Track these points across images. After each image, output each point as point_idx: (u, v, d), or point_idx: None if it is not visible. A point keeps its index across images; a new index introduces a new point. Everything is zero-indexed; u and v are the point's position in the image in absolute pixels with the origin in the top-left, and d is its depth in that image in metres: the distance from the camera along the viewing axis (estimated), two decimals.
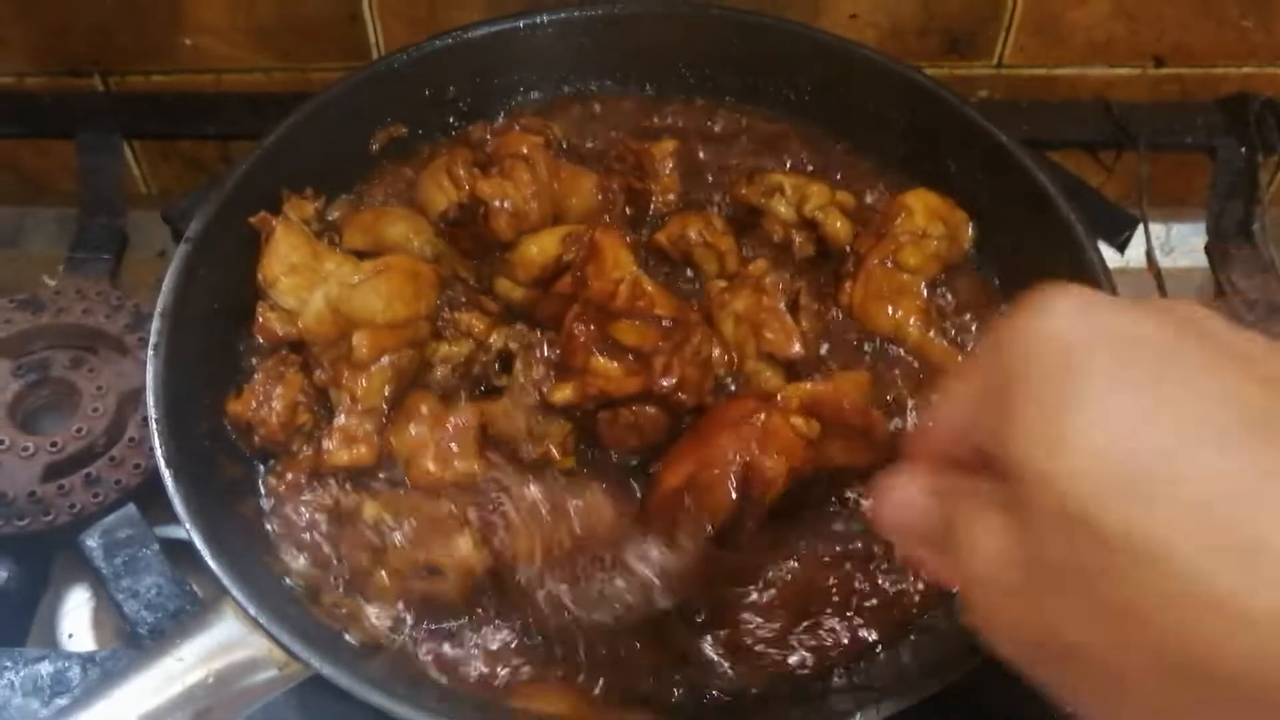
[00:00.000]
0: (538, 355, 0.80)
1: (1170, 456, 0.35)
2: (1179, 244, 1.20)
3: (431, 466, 0.79)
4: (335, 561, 0.76)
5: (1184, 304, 0.41)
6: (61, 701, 0.76)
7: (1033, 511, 0.38)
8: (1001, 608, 0.41)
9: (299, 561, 0.76)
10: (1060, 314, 0.40)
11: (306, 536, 0.78)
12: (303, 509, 0.78)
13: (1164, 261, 1.10)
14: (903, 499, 0.48)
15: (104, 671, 0.77)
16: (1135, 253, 1.09)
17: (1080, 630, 0.38)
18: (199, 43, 1.19)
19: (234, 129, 1.10)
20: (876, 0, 1.17)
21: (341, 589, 0.76)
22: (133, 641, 0.82)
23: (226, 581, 0.69)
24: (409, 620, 0.75)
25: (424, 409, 0.82)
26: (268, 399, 0.80)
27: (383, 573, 0.75)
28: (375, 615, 0.74)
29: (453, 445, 0.80)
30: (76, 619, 0.99)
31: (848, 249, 0.88)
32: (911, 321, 0.82)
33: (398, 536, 0.75)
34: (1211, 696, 0.35)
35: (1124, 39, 1.20)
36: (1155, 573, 0.35)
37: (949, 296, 0.87)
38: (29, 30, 1.17)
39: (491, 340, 0.83)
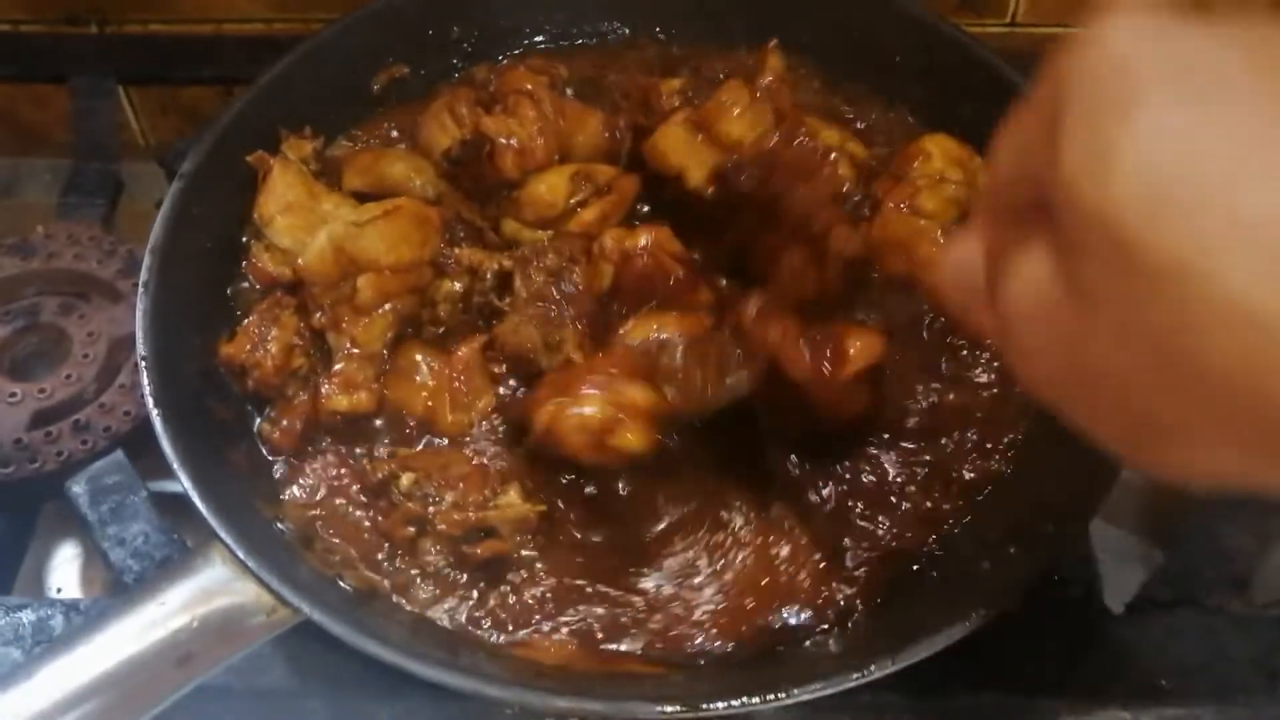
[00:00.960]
0: (536, 265, 0.78)
1: (1227, 182, 0.33)
2: None
3: (451, 416, 0.77)
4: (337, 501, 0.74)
5: (1263, 26, 0.37)
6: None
7: (1078, 238, 0.36)
8: (1040, 342, 0.40)
9: (296, 507, 0.73)
10: (1119, 33, 0.36)
11: (308, 481, 0.76)
12: (306, 455, 0.76)
13: None
14: (957, 257, 0.47)
15: (87, 620, 0.75)
16: None
17: (1121, 361, 0.36)
18: None
19: (231, 73, 1.07)
20: None
21: (335, 537, 0.73)
22: (118, 590, 0.79)
23: (215, 524, 0.66)
24: (464, 580, 0.73)
25: (418, 358, 0.80)
26: (262, 341, 0.77)
27: (429, 543, 0.73)
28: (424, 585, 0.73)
29: (462, 387, 0.77)
30: (65, 573, 0.97)
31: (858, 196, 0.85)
32: (928, 268, 0.79)
33: (444, 500, 0.73)
34: (1257, 425, 0.34)
35: None
36: (1203, 299, 0.33)
37: None
38: None
39: (484, 267, 0.80)
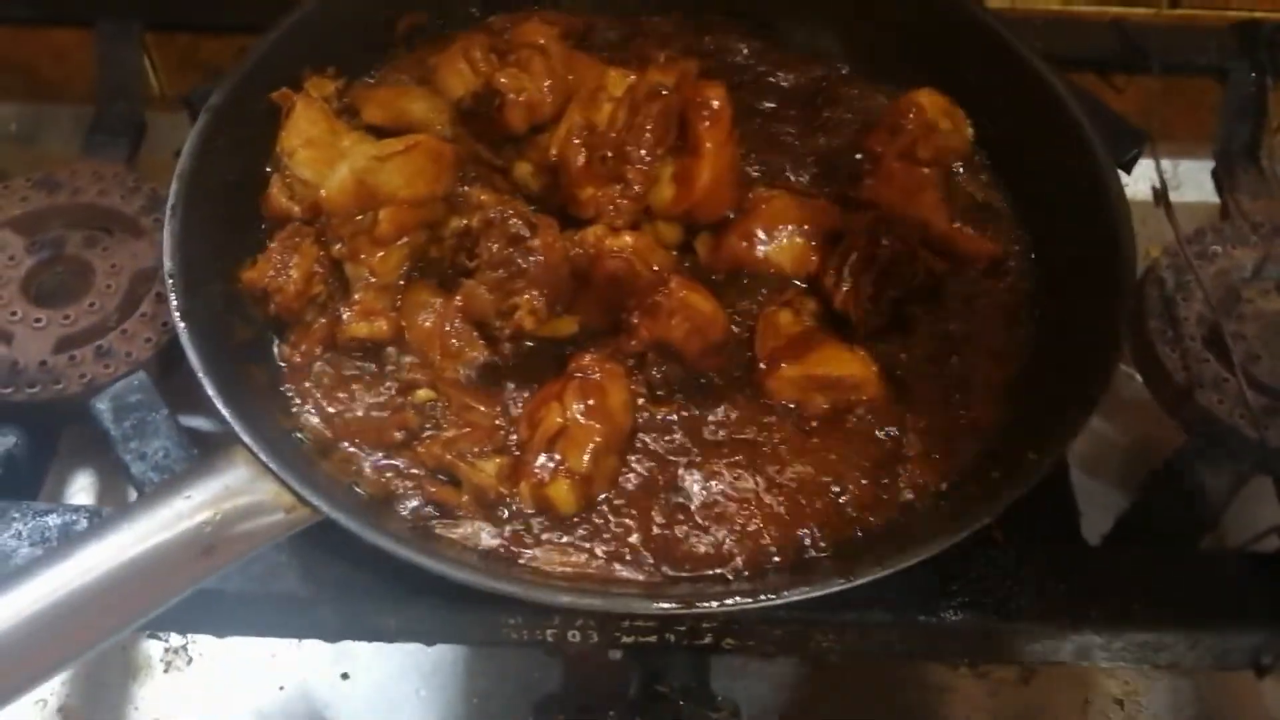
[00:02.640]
0: (499, 230, 0.80)
1: None
2: (1186, 179, 1.20)
3: (441, 360, 0.81)
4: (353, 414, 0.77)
5: None
6: None
7: None
8: None
9: (313, 418, 0.77)
10: None
11: (326, 398, 0.79)
12: (323, 377, 0.79)
13: (1172, 196, 1.10)
14: None
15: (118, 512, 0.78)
16: (1141, 187, 1.10)
17: None
18: None
19: (255, 19, 1.10)
20: None
21: (350, 448, 0.77)
22: None
23: (238, 427, 0.70)
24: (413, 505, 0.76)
25: (425, 298, 0.83)
26: (284, 268, 0.81)
27: (402, 459, 0.76)
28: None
29: (453, 336, 0.81)
30: (81, 493, 1.00)
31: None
32: (936, 212, 0.84)
33: (441, 431, 0.76)
34: None
35: None
36: None
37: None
38: None
39: (453, 223, 0.83)
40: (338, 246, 0.82)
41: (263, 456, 0.69)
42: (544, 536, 0.73)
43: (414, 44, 0.96)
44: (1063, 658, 0.78)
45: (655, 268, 0.81)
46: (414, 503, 0.75)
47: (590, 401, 0.74)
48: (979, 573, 0.76)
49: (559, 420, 0.74)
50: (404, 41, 0.96)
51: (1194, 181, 1.20)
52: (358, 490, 0.74)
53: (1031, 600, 0.76)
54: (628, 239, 0.80)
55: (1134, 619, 0.76)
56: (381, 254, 0.82)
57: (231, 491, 0.69)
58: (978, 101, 0.92)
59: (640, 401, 0.79)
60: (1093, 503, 0.96)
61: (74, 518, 0.79)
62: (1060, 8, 1.21)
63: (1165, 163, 1.13)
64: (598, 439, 0.74)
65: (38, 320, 0.92)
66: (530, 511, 0.74)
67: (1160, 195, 0.95)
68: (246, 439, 0.70)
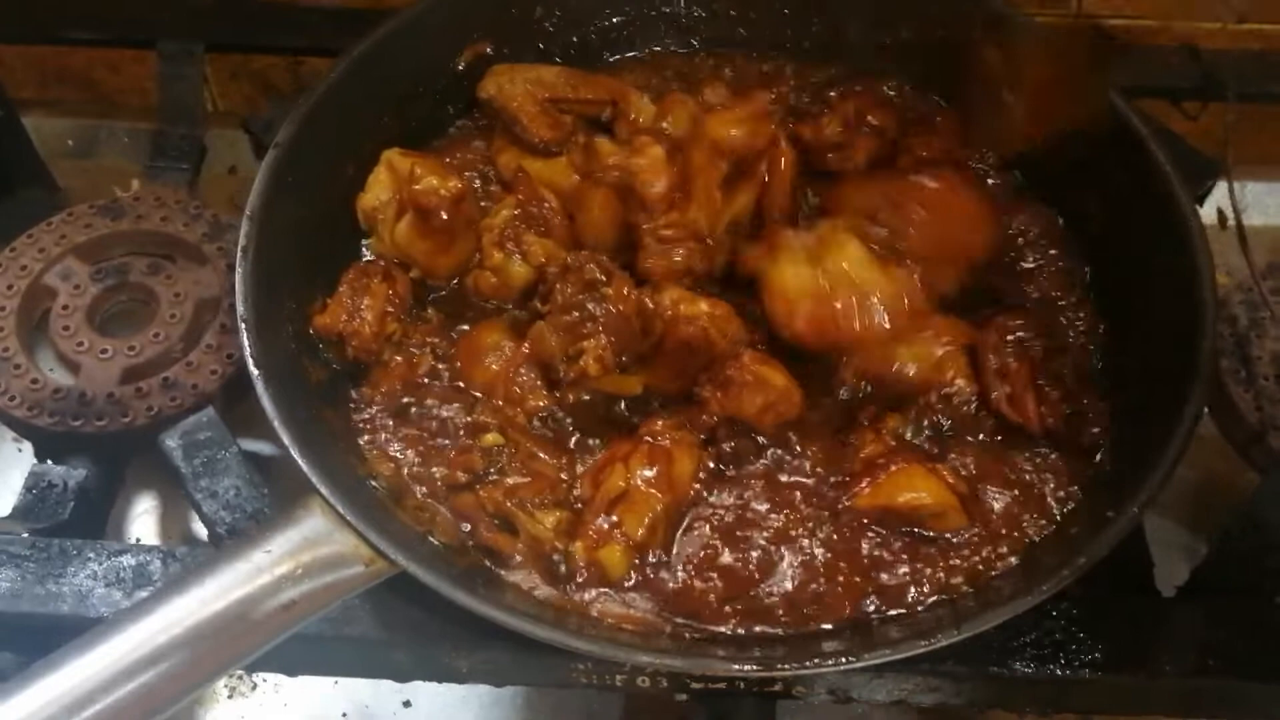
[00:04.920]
0: (574, 276, 0.79)
1: None
2: (1254, 202, 1.18)
3: (503, 404, 0.80)
4: (430, 465, 0.77)
5: None
6: (144, 593, 0.77)
7: None
8: None
9: (388, 466, 0.77)
10: None
11: (400, 444, 0.79)
12: (400, 420, 0.79)
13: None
14: None
15: (184, 566, 0.78)
16: (1208, 210, 1.08)
17: None
18: None
19: (315, 42, 1.10)
20: None
21: (422, 492, 0.77)
22: (211, 540, 0.83)
23: (315, 479, 0.70)
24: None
25: (495, 339, 0.83)
26: (356, 310, 0.81)
27: (465, 496, 0.76)
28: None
29: (518, 385, 0.80)
30: (146, 523, 1.01)
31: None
32: None
33: (502, 476, 0.76)
34: None
35: None
36: None
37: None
38: None
39: (514, 266, 0.84)
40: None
41: (340, 509, 0.69)
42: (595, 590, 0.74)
43: (479, 72, 0.94)
44: (1133, 710, 0.78)
45: (730, 338, 0.79)
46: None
47: (656, 469, 0.74)
48: (1051, 625, 0.75)
49: (622, 484, 0.74)
50: (468, 72, 0.94)
51: (1261, 205, 1.18)
52: (432, 540, 0.74)
53: (1103, 654, 0.75)
54: (704, 306, 0.78)
55: (1207, 673, 0.75)
56: None
57: (311, 544, 0.69)
58: None
59: (703, 478, 0.78)
60: (1162, 542, 0.95)
61: (147, 558, 0.79)
62: (1131, 20, 1.19)
63: (1234, 185, 1.12)
64: (658, 508, 0.74)
65: (104, 351, 0.92)
66: (582, 566, 0.73)
67: (1236, 230, 0.93)
68: (325, 492, 0.70)
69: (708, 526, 0.77)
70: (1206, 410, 0.94)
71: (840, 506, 0.76)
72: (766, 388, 0.77)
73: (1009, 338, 0.81)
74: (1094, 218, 0.91)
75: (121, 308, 0.97)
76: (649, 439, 0.76)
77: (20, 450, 1.00)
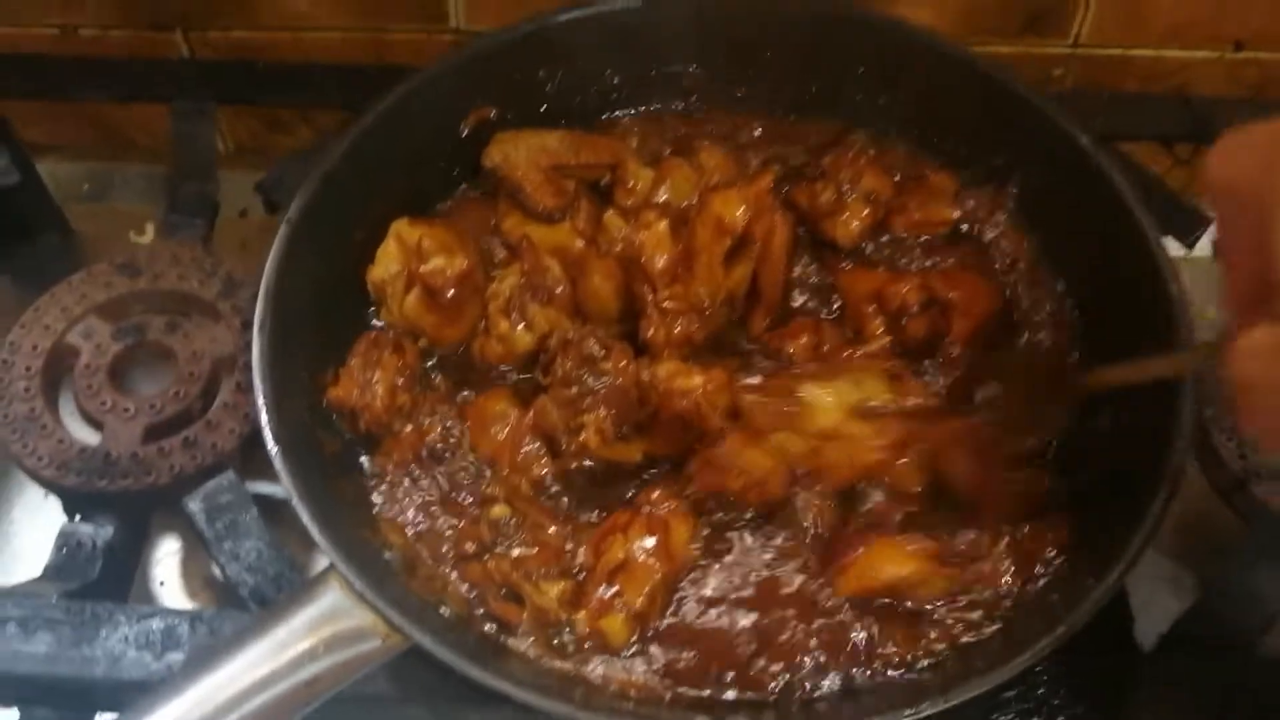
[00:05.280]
0: (574, 350, 0.83)
1: None
2: None
3: (508, 472, 0.84)
4: (439, 536, 0.80)
5: None
6: (173, 655, 0.81)
7: None
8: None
9: (399, 537, 0.80)
10: None
11: (412, 514, 0.82)
12: (411, 489, 0.82)
13: None
14: (1251, 359, 0.49)
15: (210, 629, 0.82)
16: (1202, 241, 1.10)
17: None
18: (280, 1, 1.20)
19: (322, 99, 1.12)
20: None
21: (433, 562, 0.81)
22: (235, 602, 0.87)
23: (333, 557, 0.73)
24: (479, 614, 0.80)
25: (502, 408, 0.86)
26: (368, 383, 0.84)
27: (473, 566, 0.79)
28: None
29: (523, 453, 0.84)
30: (168, 567, 1.05)
31: None
32: None
33: (509, 547, 0.80)
34: None
35: (1205, 22, 1.19)
36: None
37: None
38: None
39: (519, 334, 0.87)
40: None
41: (358, 585, 0.73)
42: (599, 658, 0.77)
43: (484, 137, 0.97)
44: None
45: (723, 411, 0.82)
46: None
47: (655, 539, 0.77)
48: (1032, 681, 0.79)
49: (621, 554, 0.77)
50: (473, 136, 0.97)
51: None
52: (444, 611, 0.78)
53: (1084, 710, 0.79)
54: (697, 380, 0.81)
55: None
56: None
57: (330, 619, 0.73)
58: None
59: (697, 547, 0.81)
60: (1148, 575, 0.99)
61: (175, 621, 0.83)
62: (1126, 50, 1.21)
63: None
64: (657, 577, 0.77)
65: (127, 409, 0.96)
66: (585, 635, 0.77)
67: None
68: (342, 567, 0.73)
69: (704, 595, 0.80)
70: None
71: (824, 595, 0.79)
72: (751, 467, 0.80)
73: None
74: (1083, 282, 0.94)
75: (140, 365, 1.01)
76: (646, 508, 0.79)
77: (46, 496, 1.04)
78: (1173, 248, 0.92)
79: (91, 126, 1.29)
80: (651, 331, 0.83)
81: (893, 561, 0.78)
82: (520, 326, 0.87)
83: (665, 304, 0.83)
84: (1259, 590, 0.85)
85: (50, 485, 0.93)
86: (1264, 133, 0.50)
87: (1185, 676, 0.81)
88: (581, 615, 0.76)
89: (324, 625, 0.73)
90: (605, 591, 0.77)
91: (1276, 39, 1.19)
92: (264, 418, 0.79)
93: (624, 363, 0.80)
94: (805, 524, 0.81)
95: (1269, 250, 0.46)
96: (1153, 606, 0.91)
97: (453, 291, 0.85)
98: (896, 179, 0.95)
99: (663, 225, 0.83)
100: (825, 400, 0.79)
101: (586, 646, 0.77)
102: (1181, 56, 1.22)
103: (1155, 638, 0.85)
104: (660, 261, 0.82)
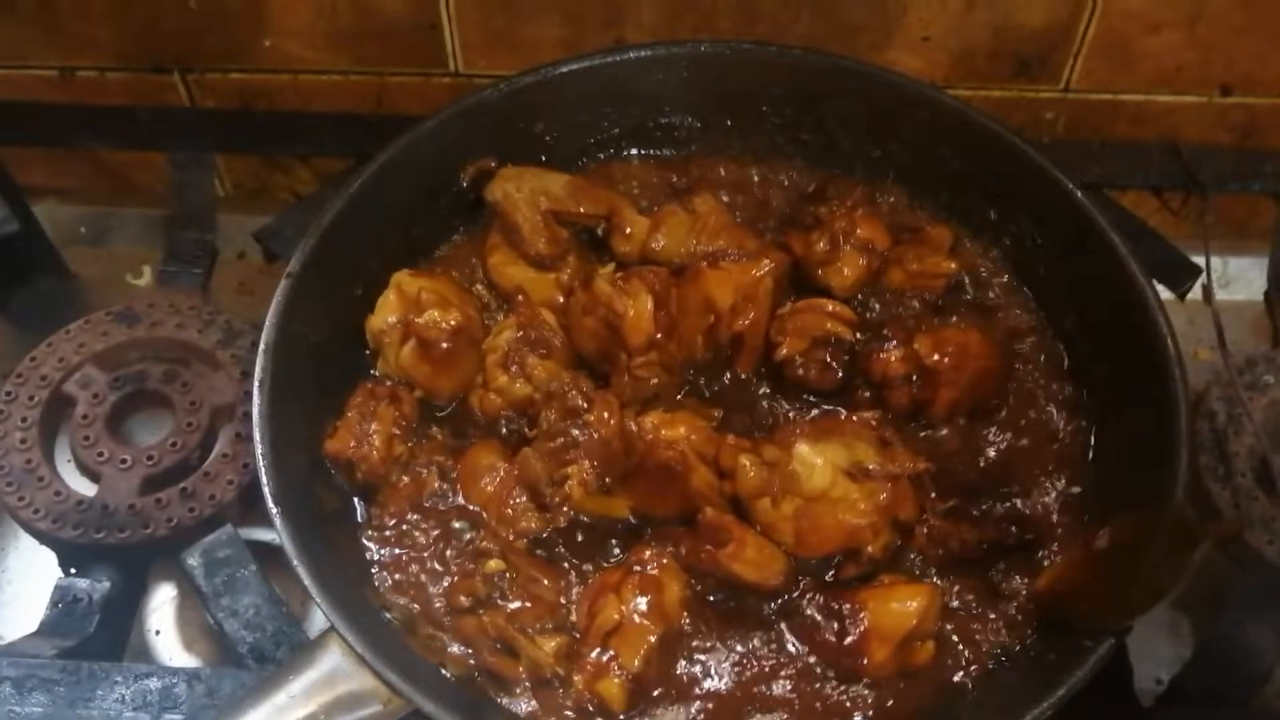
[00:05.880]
0: (557, 404, 0.83)
1: None
2: (1236, 277, 1.22)
3: (496, 524, 0.83)
4: (435, 591, 0.80)
5: None
6: (170, 717, 0.81)
7: None
8: None
9: (398, 595, 0.80)
10: None
11: (410, 570, 0.82)
12: (408, 544, 0.82)
13: (1221, 294, 1.11)
14: None
15: (208, 688, 0.82)
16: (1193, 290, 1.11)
17: None
18: (279, 45, 1.21)
19: (322, 149, 1.13)
20: (949, 23, 1.17)
21: (428, 620, 0.80)
22: (233, 659, 0.86)
23: (333, 620, 0.73)
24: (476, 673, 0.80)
25: (491, 461, 0.86)
26: (365, 436, 0.84)
27: (468, 620, 0.79)
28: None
29: (511, 506, 0.83)
30: (163, 616, 1.04)
31: None
32: None
33: (505, 601, 0.79)
34: None
35: (1194, 67, 1.20)
36: None
37: None
38: (119, 30, 1.20)
39: (517, 387, 0.87)
40: None
41: (359, 649, 0.73)
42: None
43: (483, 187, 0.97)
44: None
45: (709, 461, 0.83)
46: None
47: (647, 598, 0.77)
48: None
49: (616, 616, 0.77)
50: (472, 187, 0.97)
51: (1244, 280, 1.21)
52: (444, 672, 0.78)
53: None
54: (682, 430, 0.82)
55: None
56: None
57: (330, 683, 0.73)
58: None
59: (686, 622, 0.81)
60: (1145, 627, 0.99)
61: (172, 680, 0.83)
62: (1116, 96, 1.22)
63: (1216, 261, 1.15)
64: (651, 638, 0.77)
65: (124, 461, 0.96)
66: (582, 698, 0.77)
67: (1215, 330, 0.96)
68: (342, 630, 0.73)
69: (699, 660, 0.80)
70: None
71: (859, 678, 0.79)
72: (762, 565, 0.80)
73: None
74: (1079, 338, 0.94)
75: (139, 414, 1.01)
76: (637, 568, 0.79)
77: (40, 548, 1.03)
78: (1163, 292, 0.93)
79: (89, 170, 1.29)
80: (620, 391, 0.84)
81: (906, 598, 0.78)
82: (520, 380, 0.87)
83: (638, 372, 0.84)
84: (1255, 642, 0.86)
85: (46, 538, 0.93)
86: None
87: None
88: (579, 679, 0.76)
89: (325, 690, 0.73)
90: (600, 655, 0.76)
91: (1262, 84, 1.21)
92: (264, 477, 0.79)
93: (607, 414, 0.80)
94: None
95: None
96: (1151, 654, 0.92)
97: (447, 344, 0.85)
98: (892, 233, 0.95)
99: (645, 300, 0.84)
100: (816, 461, 0.79)
101: (591, 709, 0.76)
102: (1170, 101, 1.24)
103: (1153, 699, 0.86)
104: (638, 338, 0.84)
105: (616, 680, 0.76)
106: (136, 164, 1.27)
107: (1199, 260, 1.07)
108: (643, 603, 0.78)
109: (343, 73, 1.24)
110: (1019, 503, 0.86)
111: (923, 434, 0.89)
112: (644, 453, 0.81)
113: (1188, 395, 0.84)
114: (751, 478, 0.80)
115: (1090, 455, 0.90)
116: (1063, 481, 0.88)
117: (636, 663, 0.76)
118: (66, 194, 1.27)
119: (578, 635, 0.79)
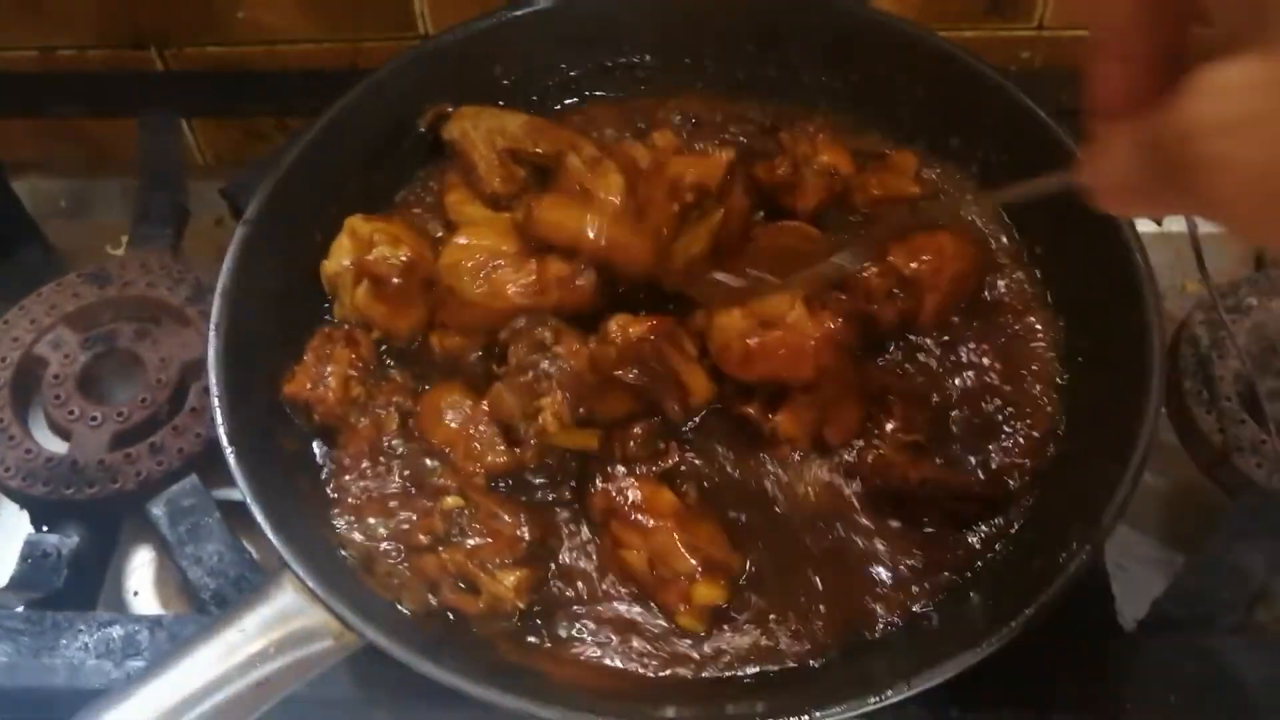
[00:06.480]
0: (527, 337, 0.82)
1: None
2: None
3: (461, 460, 0.82)
4: (393, 529, 0.79)
5: None
6: (134, 663, 0.80)
7: None
8: (1245, 151, 0.38)
9: (355, 533, 0.79)
10: None
11: (368, 510, 0.81)
12: (367, 483, 0.81)
13: (1202, 226, 1.08)
14: (1111, 164, 0.45)
15: (170, 635, 0.82)
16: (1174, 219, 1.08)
17: None
18: (253, 15, 1.21)
19: (290, 106, 1.13)
20: None
21: (393, 559, 0.79)
22: (196, 605, 0.86)
23: (286, 555, 0.72)
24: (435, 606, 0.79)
25: (455, 398, 0.84)
26: (321, 378, 0.83)
27: (428, 558, 0.78)
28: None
29: (477, 442, 0.82)
30: (142, 577, 1.04)
31: None
32: None
33: (464, 538, 0.78)
34: None
35: None
36: None
37: None
38: (97, 7, 1.20)
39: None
40: None
41: (310, 583, 0.72)
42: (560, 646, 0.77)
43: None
44: None
45: (681, 347, 0.82)
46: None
47: (646, 523, 0.78)
48: (1010, 665, 0.77)
49: (642, 562, 0.78)
50: (429, 132, 0.96)
51: None
52: (401, 608, 0.77)
53: (1065, 694, 0.77)
54: (649, 323, 0.80)
55: (1173, 711, 0.77)
56: None
57: (283, 619, 0.72)
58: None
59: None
60: (1132, 555, 0.97)
61: (135, 628, 0.82)
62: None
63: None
64: (675, 536, 0.77)
65: (94, 418, 0.96)
66: (700, 627, 0.77)
67: (1195, 254, 0.93)
68: (294, 566, 0.72)
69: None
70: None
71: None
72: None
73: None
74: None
75: (110, 372, 1.01)
76: (614, 516, 0.79)
77: (18, 510, 1.04)
78: (1142, 225, 0.90)
79: (68, 143, 1.29)
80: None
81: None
82: None
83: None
84: (1244, 564, 0.83)
85: (16, 495, 0.93)
86: None
87: (1167, 658, 0.79)
88: (681, 618, 0.77)
89: (276, 626, 0.72)
90: (674, 597, 0.77)
91: None
92: (219, 417, 0.78)
93: (575, 345, 0.79)
94: None
95: None
96: (1145, 592, 0.89)
97: (398, 280, 0.84)
98: (857, 160, 0.93)
99: (619, 179, 0.82)
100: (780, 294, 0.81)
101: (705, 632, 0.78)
102: None
103: (1134, 621, 0.83)
104: (611, 211, 0.82)
105: (701, 586, 0.77)
106: (114, 136, 1.27)
107: None
108: (643, 529, 0.78)
109: (316, 41, 1.24)
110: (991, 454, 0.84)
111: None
112: (616, 358, 0.80)
113: (1160, 314, 0.81)
114: (719, 292, 0.81)
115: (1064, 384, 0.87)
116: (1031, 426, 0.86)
117: (692, 561, 0.77)
118: (46, 168, 1.28)
119: (657, 597, 0.79)
